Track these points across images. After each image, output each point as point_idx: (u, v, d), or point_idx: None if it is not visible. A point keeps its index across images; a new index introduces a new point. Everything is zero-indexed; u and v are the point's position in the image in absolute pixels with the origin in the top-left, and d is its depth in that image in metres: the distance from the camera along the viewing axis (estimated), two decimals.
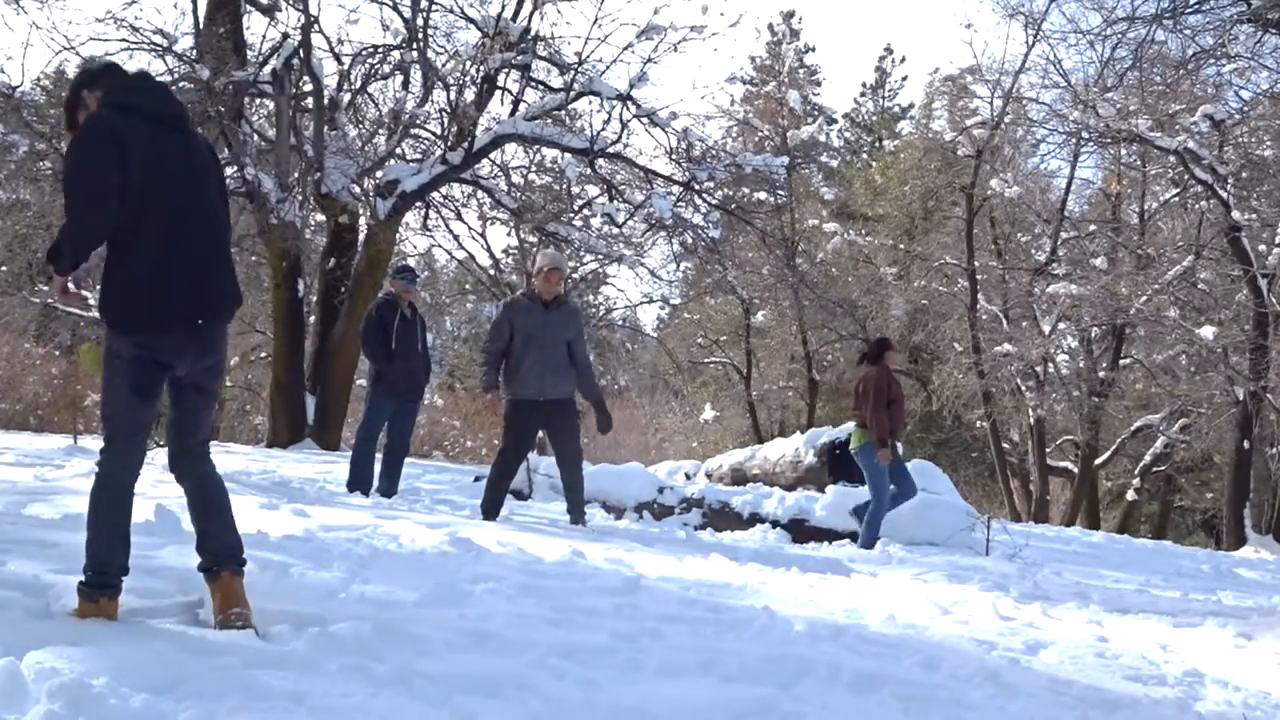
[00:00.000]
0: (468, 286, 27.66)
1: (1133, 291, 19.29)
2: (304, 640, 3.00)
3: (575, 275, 24.93)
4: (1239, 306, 18.51)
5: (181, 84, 14.63)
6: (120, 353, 3.19)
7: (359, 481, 8.22)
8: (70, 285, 3.25)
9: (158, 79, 3.75)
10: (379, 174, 15.32)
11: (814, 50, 37.40)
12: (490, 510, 7.25)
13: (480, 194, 18.69)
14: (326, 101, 15.01)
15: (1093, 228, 22.99)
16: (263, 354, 21.53)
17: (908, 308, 25.79)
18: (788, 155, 20.67)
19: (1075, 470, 22.77)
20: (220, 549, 3.27)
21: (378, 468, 8.45)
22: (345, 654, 2.94)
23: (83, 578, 3.14)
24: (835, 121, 34.67)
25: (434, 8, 15.72)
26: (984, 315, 22.23)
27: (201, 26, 15.60)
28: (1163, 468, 23.92)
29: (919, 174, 25.53)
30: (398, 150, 15.95)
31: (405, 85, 16.26)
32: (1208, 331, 18.16)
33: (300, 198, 14.37)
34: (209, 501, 3.34)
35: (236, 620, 3.14)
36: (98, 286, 3.25)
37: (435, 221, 20.67)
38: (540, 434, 7.90)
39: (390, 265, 16.62)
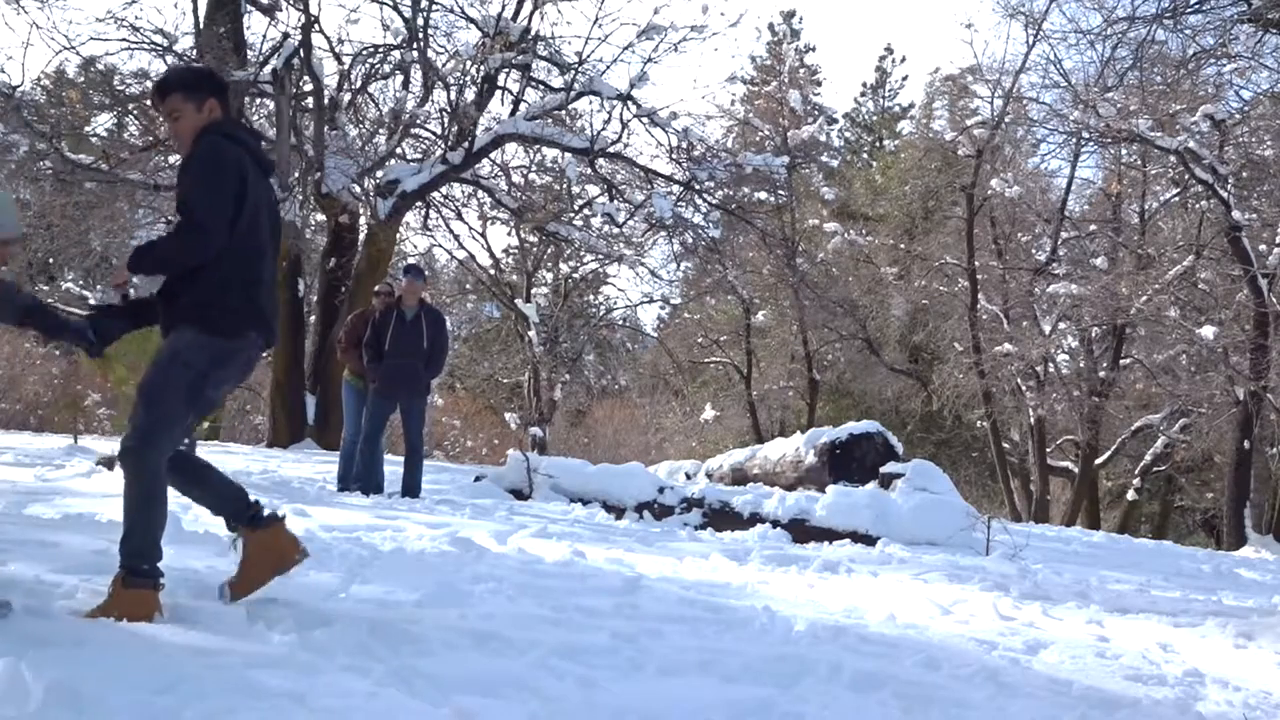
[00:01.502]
0: (468, 286, 27.66)
1: (1133, 291, 19.28)
2: (304, 640, 3.00)
3: (576, 275, 24.97)
4: (1239, 306, 18.50)
5: None
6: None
7: (368, 484, 8.25)
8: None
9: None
10: (379, 174, 15.32)
11: (814, 50, 37.51)
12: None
13: (480, 194, 18.71)
14: (326, 101, 15.01)
15: (1093, 228, 22.98)
16: (263, 354, 21.59)
17: (908, 308, 25.79)
18: (788, 155, 20.65)
19: (1075, 470, 22.77)
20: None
21: (388, 469, 8.53)
22: (345, 654, 2.94)
23: (139, 567, 3.20)
24: (836, 121, 34.65)
25: (434, 8, 15.73)
26: (984, 315, 22.23)
27: (201, 26, 15.60)
28: (1163, 468, 23.92)
29: (919, 174, 25.53)
30: (398, 150, 15.96)
31: (405, 85, 16.27)
32: (1208, 331, 18.15)
33: (300, 197, 14.37)
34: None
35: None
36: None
37: (435, 221, 20.73)
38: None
39: (391, 265, 16.62)
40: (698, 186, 16.26)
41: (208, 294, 3.25)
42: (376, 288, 9.96)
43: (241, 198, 3.27)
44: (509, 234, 23.73)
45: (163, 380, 3.25)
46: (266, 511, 3.52)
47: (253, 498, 3.55)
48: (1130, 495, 24.17)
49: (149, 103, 3.74)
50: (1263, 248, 18.16)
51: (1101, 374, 21.15)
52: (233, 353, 3.34)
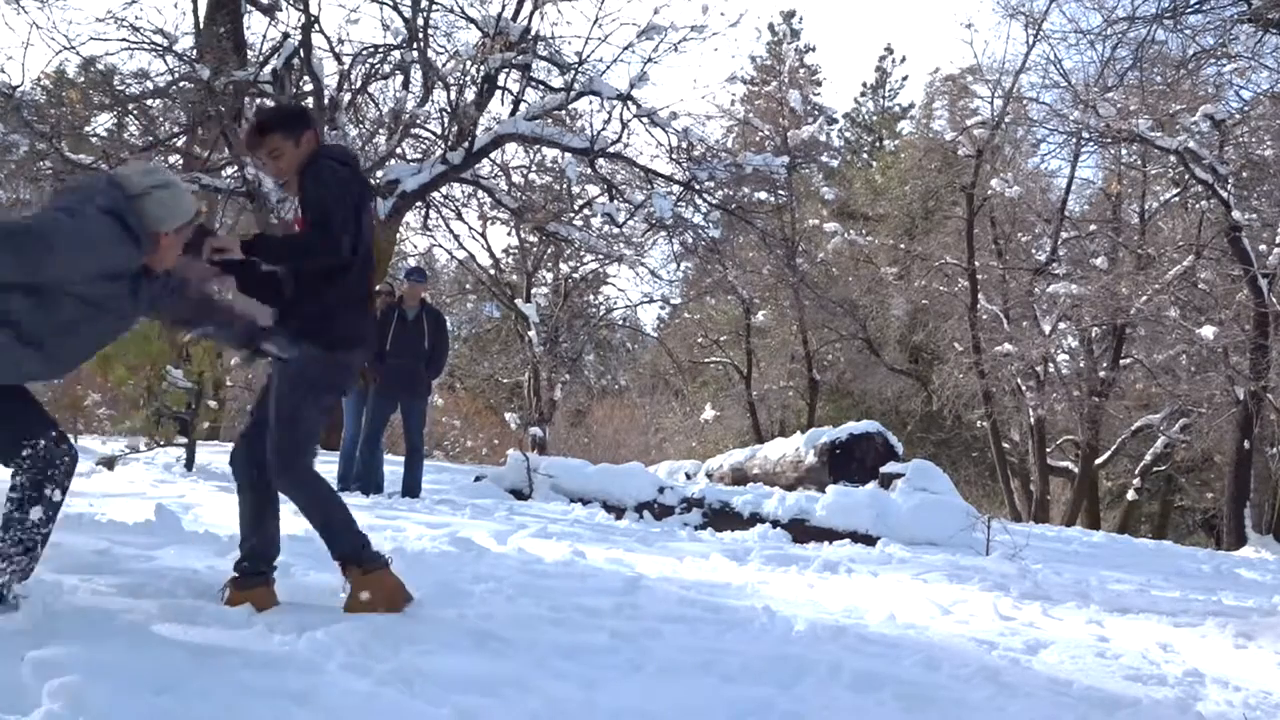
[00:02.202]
0: (468, 286, 27.65)
1: (1133, 291, 19.28)
2: (304, 640, 3.00)
3: (576, 275, 24.96)
4: (1239, 306, 18.48)
5: (181, 84, 14.61)
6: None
7: (368, 484, 8.26)
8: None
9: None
10: (379, 174, 15.31)
11: (814, 50, 37.48)
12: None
13: (480, 194, 18.69)
14: (326, 101, 15.00)
15: (1093, 228, 22.98)
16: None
17: (908, 308, 25.79)
18: (788, 155, 20.63)
19: (1075, 470, 22.76)
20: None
21: (388, 469, 8.55)
22: (345, 654, 2.94)
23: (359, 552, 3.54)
24: (836, 121, 34.62)
25: (434, 8, 15.71)
26: (984, 315, 22.22)
27: (201, 26, 15.58)
28: (1163, 468, 23.91)
29: (919, 174, 25.53)
30: (398, 150, 15.94)
31: (405, 85, 16.24)
32: (1208, 331, 18.14)
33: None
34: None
35: None
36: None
37: (435, 221, 20.71)
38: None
39: (391, 265, 16.61)
40: (698, 186, 16.24)
41: (330, 307, 3.46)
42: (377, 288, 9.97)
43: (360, 217, 3.51)
44: (509, 234, 23.73)
45: (296, 402, 3.48)
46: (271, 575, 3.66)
47: (275, 563, 3.66)
48: (1130, 495, 24.16)
49: (244, 141, 3.97)
50: (1263, 248, 18.14)
51: (1101, 374, 21.14)
52: (347, 366, 3.60)
